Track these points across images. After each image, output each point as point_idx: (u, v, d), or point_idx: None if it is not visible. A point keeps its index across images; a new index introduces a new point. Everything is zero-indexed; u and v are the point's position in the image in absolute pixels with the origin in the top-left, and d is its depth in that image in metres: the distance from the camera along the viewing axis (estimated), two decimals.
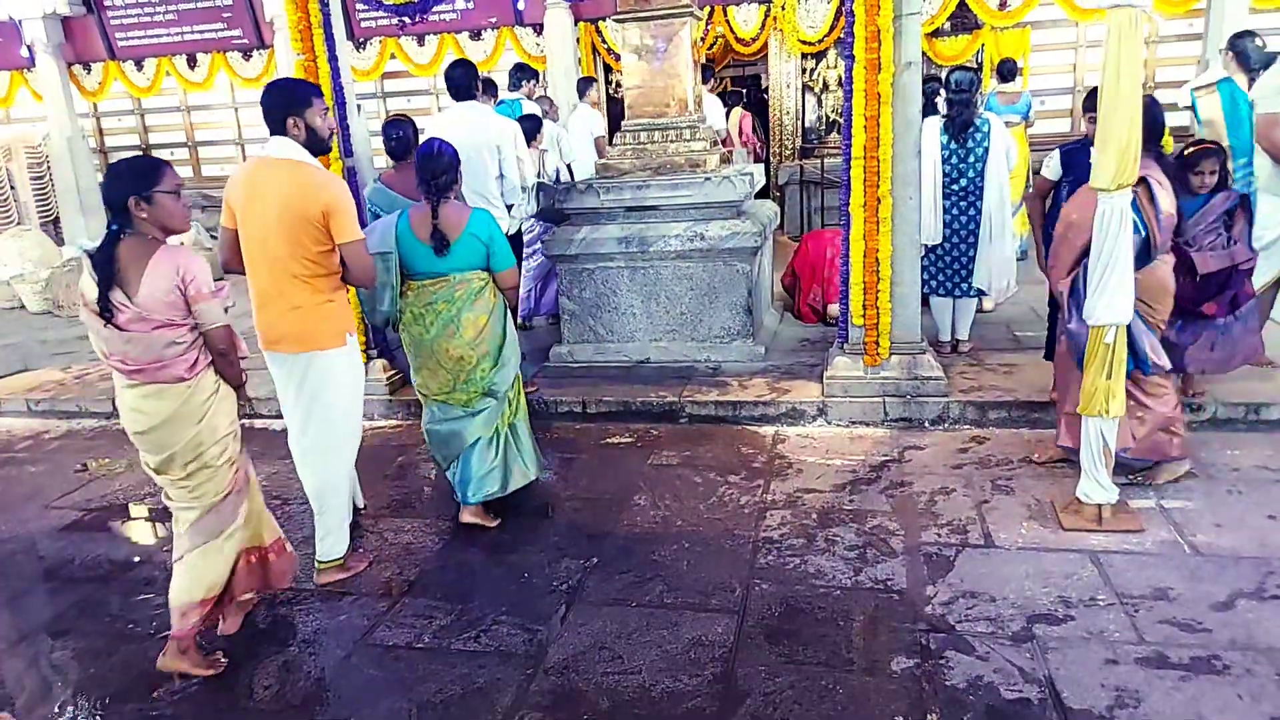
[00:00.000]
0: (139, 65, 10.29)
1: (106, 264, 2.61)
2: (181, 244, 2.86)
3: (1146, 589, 3.02)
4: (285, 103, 3.20)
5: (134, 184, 2.65)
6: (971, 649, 2.77)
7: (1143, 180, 3.29)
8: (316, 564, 3.46)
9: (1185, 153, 3.98)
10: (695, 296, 5.45)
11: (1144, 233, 3.38)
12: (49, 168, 10.93)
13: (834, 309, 5.82)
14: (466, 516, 3.83)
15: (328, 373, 3.30)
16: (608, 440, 4.77)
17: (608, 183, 5.58)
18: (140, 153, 11.84)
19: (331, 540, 3.46)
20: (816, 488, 4.00)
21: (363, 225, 3.61)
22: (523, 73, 7.02)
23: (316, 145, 3.25)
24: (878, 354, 4.66)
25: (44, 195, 11.17)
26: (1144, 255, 3.40)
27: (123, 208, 2.64)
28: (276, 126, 3.21)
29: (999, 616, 2.93)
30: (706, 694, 2.65)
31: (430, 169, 3.53)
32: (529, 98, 6.93)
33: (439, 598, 3.31)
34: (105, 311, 2.61)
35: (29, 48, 9.87)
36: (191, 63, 10.16)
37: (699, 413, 4.91)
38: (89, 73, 10.48)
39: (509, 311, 3.81)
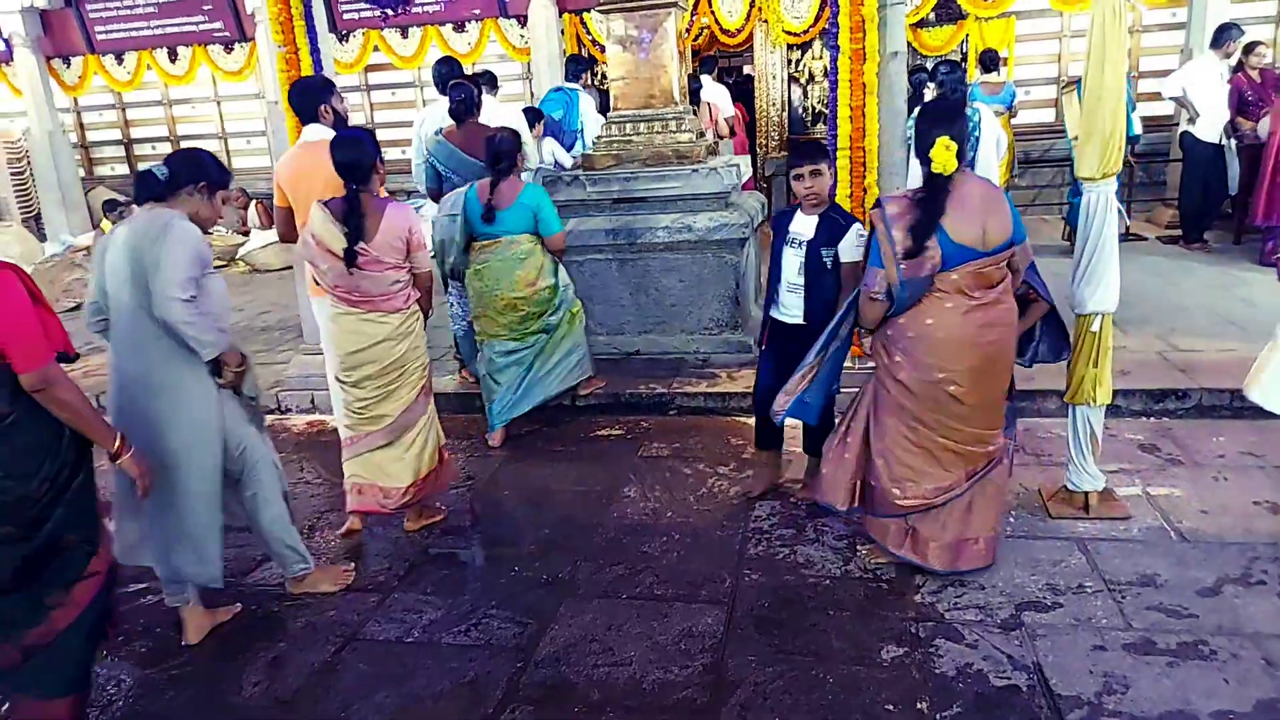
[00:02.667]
0: (119, 59, 10.17)
1: (356, 218, 3.28)
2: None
3: (1134, 575, 3.05)
4: (314, 95, 3.89)
5: (375, 151, 3.36)
6: (961, 637, 2.78)
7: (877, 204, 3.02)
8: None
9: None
10: (684, 288, 5.44)
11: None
12: (29, 163, 10.80)
13: None
14: (493, 440, 4.63)
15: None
16: (597, 432, 4.77)
17: (594, 174, 5.56)
18: (124, 146, 11.73)
19: None
20: (805, 478, 4.00)
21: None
22: (580, 64, 7.58)
23: (340, 126, 3.83)
24: (862, 345, 4.66)
25: (25, 191, 11.04)
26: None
27: (365, 172, 3.31)
28: (309, 116, 3.89)
29: (988, 604, 2.94)
30: (697, 685, 2.65)
31: (495, 154, 4.33)
32: (584, 87, 7.33)
33: (429, 592, 3.30)
34: (350, 259, 3.29)
35: (6, 41, 9.75)
36: (173, 56, 10.05)
37: (689, 404, 4.91)
38: (69, 67, 10.34)
39: (560, 267, 4.56)
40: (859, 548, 3.33)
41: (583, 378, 4.79)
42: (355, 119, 6.58)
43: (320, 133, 3.78)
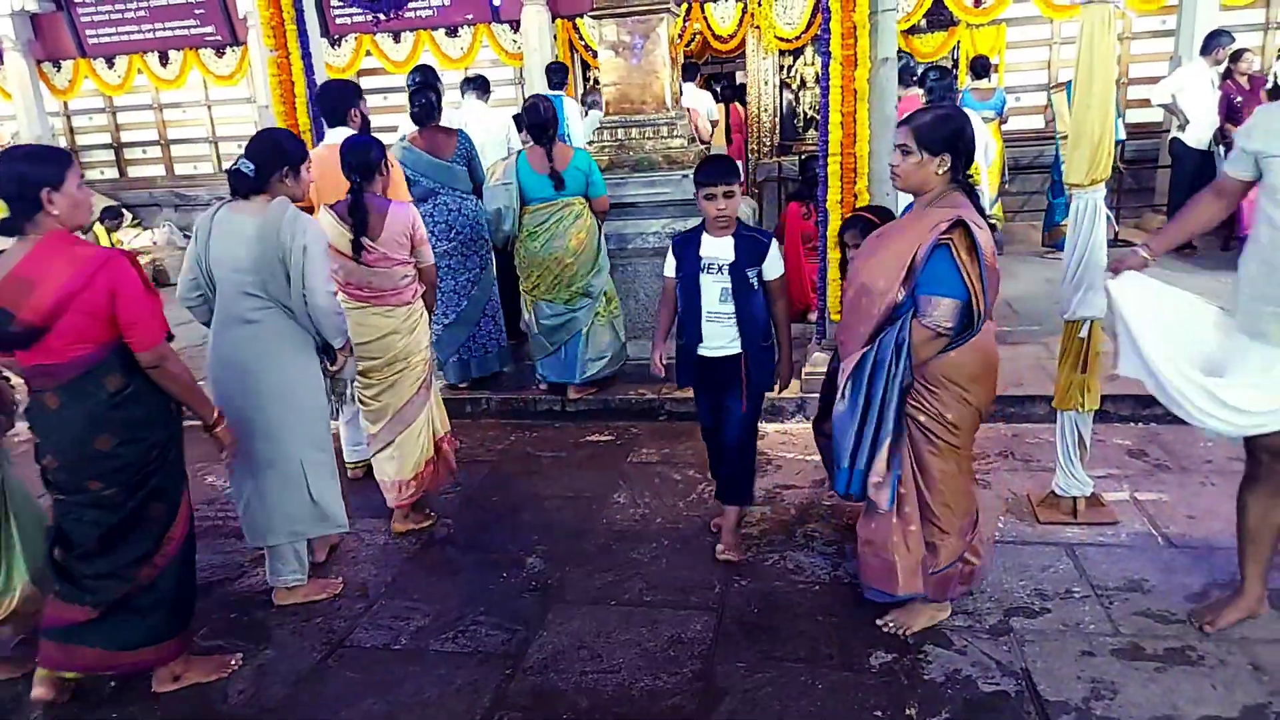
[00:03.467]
0: (110, 63, 10.13)
1: (360, 214, 3.44)
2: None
3: (1121, 581, 3.05)
4: (345, 99, 4.12)
5: (381, 155, 3.55)
6: (949, 643, 2.78)
7: (960, 224, 2.50)
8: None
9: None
10: None
11: (965, 296, 2.52)
12: None
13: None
14: (573, 394, 4.97)
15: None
16: (587, 438, 4.76)
17: None
18: (114, 150, 11.69)
19: None
20: (795, 484, 4.00)
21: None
22: (561, 72, 7.61)
23: (365, 129, 4.02)
24: None
25: None
26: (965, 323, 2.56)
27: (370, 172, 3.48)
28: (337, 119, 4.09)
29: (976, 610, 2.94)
30: (686, 692, 2.65)
31: (543, 122, 4.62)
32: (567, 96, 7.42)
33: (416, 599, 3.28)
34: (356, 252, 3.47)
35: None
36: (164, 60, 10.01)
37: (678, 410, 4.91)
38: (59, 70, 10.30)
39: (601, 229, 4.87)
40: (889, 623, 2.88)
41: (611, 373, 5.02)
42: None
43: (344, 135, 3.86)
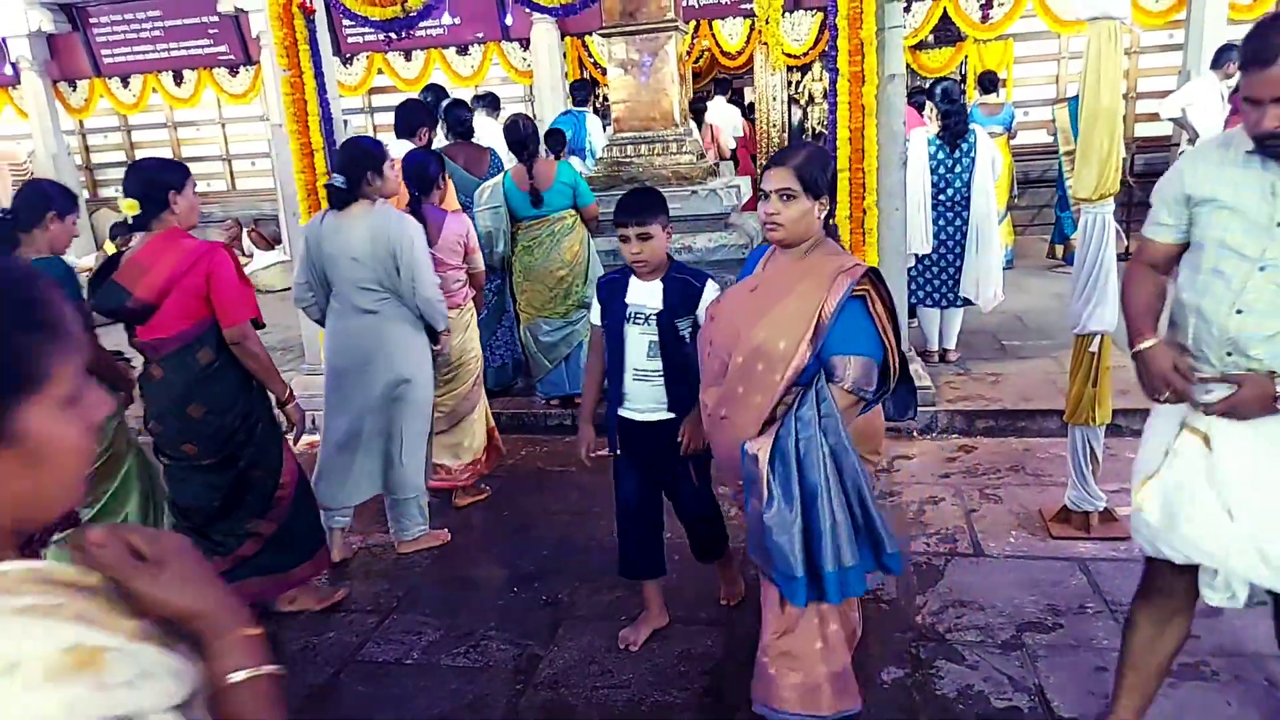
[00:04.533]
0: (125, 82, 10.26)
1: (420, 223, 3.55)
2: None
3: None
4: (419, 119, 4.54)
5: (440, 169, 3.89)
6: (962, 658, 2.77)
7: (871, 273, 2.22)
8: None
9: None
10: None
11: (882, 354, 2.22)
12: None
13: None
14: (579, 400, 4.79)
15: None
16: (595, 453, 4.75)
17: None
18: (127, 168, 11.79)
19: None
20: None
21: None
22: (585, 89, 7.92)
23: (429, 147, 4.40)
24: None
25: None
26: (883, 383, 2.27)
27: (428, 185, 3.82)
28: (406, 133, 4.47)
29: (989, 625, 2.93)
30: (696, 707, 2.64)
31: (522, 140, 4.68)
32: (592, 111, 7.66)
33: (428, 613, 3.29)
34: None
35: (13, 65, 9.83)
36: (178, 79, 10.13)
37: None
38: (74, 89, 10.43)
39: (591, 239, 4.94)
40: None
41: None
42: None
43: (406, 149, 4.20)
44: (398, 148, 4.22)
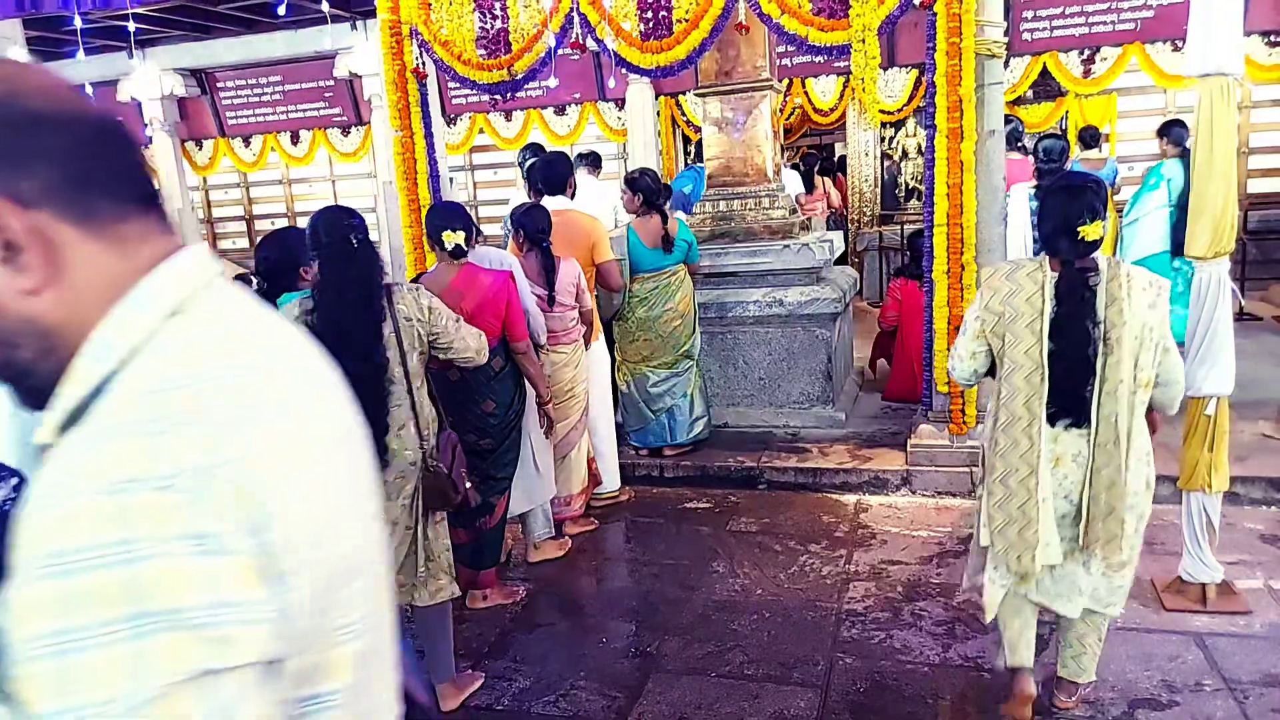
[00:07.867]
0: (247, 142, 10.94)
1: (550, 270, 4.04)
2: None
3: (1256, 674, 2.86)
4: (568, 173, 4.75)
5: (548, 222, 4.12)
6: None
7: None
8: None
9: None
10: (773, 361, 5.45)
11: None
12: None
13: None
14: (669, 452, 5.15)
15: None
16: (685, 505, 4.76)
17: None
18: (246, 221, 12.51)
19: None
20: (902, 559, 3.91)
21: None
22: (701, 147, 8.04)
23: (572, 198, 4.71)
24: (963, 422, 4.57)
25: None
26: None
27: (546, 234, 4.07)
28: (557, 189, 4.62)
29: (1099, 700, 2.80)
30: None
31: (657, 190, 5.01)
32: None
33: (519, 660, 3.32)
34: (550, 303, 4.05)
35: (147, 126, 10.60)
36: (294, 139, 10.75)
37: (778, 479, 4.87)
38: (200, 149, 11.17)
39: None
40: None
41: (701, 437, 5.20)
42: (459, 197, 6.99)
43: (563, 203, 4.54)
44: (554, 202, 4.49)
